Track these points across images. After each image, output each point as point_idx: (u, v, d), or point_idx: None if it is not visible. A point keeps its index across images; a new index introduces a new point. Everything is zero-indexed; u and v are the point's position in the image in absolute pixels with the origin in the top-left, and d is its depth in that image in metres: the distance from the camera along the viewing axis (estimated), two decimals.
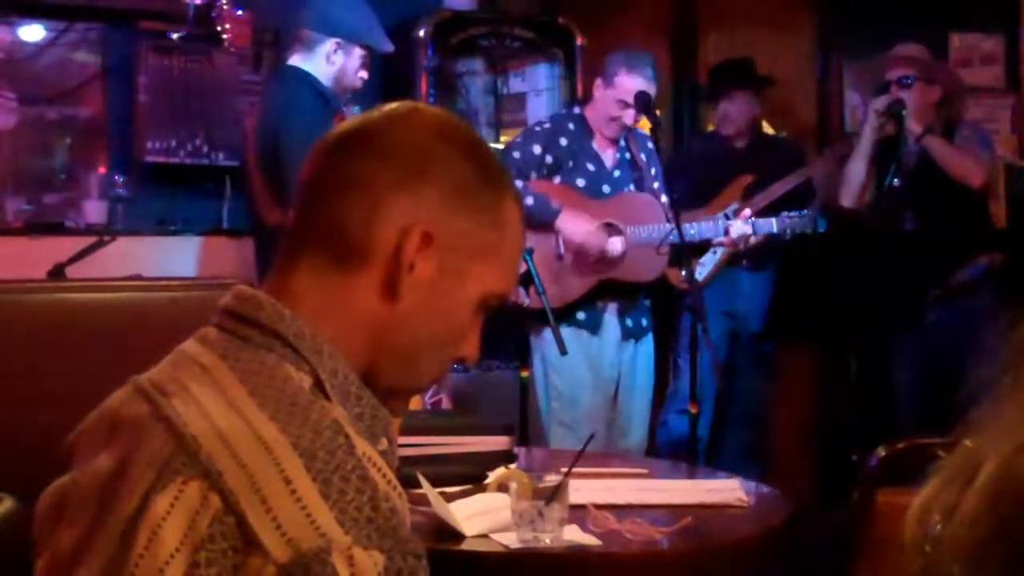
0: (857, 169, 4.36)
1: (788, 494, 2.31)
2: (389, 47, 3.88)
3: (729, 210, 4.28)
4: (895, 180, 4.18)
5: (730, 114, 4.78)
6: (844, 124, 5.65)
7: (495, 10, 5.13)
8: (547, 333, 3.78)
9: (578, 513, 1.97)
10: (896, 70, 4.37)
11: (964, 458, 0.74)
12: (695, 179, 4.54)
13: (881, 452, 1.96)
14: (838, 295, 4.49)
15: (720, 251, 4.38)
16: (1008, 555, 0.68)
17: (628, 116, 3.97)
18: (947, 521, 0.73)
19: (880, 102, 4.29)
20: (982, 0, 5.57)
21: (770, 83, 4.93)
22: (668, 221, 3.84)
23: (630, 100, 3.92)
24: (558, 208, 3.87)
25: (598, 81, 4.03)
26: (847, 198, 4.39)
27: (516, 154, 3.96)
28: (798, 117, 5.54)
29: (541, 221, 3.82)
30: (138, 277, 3.33)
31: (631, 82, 3.93)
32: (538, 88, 5.14)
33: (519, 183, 3.81)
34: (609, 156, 4.05)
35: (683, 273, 4.05)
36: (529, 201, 3.78)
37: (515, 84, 5.17)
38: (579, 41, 4.98)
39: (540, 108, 5.08)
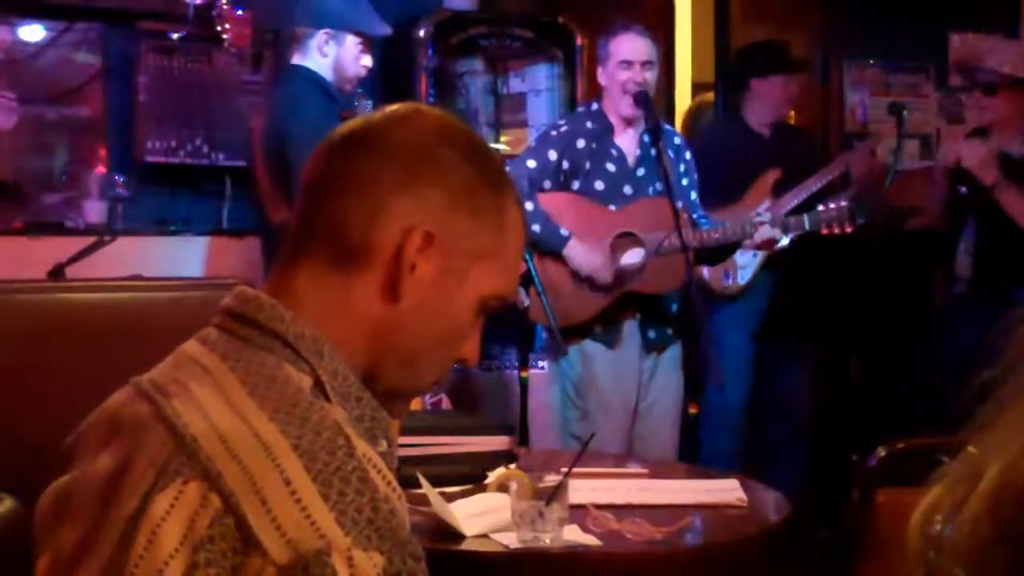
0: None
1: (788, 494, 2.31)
2: (384, 30, 3.86)
3: (761, 208, 4.11)
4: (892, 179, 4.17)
5: (766, 97, 4.55)
6: (844, 124, 5.65)
7: (495, 10, 5.12)
8: (571, 349, 3.73)
9: (578, 513, 1.97)
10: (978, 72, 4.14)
11: (968, 463, 0.74)
12: (720, 173, 4.28)
13: (881, 452, 1.96)
14: (839, 294, 4.48)
15: (760, 253, 4.22)
16: (1010, 560, 0.68)
17: (634, 72, 3.79)
18: (950, 526, 0.73)
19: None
20: (982, 0, 5.58)
21: (805, 67, 4.70)
22: (694, 225, 3.68)
23: (629, 57, 3.79)
24: (567, 235, 3.72)
25: (599, 69, 3.90)
26: None
27: (531, 163, 3.80)
28: (798, 117, 5.54)
29: (550, 249, 3.72)
30: (138, 277, 3.33)
31: (622, 42, 3.82)
32: (538, 88, 5.13)
33: (529, 205, 3.66)
34: (631, 152, 3.87)
35: (727, 279, 3.96)
36: (536, 228, 3.67)
37: (515, 84, 5.17)
38: (579, 41, 4.96)
39: (540, 108, 5.08)
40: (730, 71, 4.93)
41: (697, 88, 5.75)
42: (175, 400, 1.09)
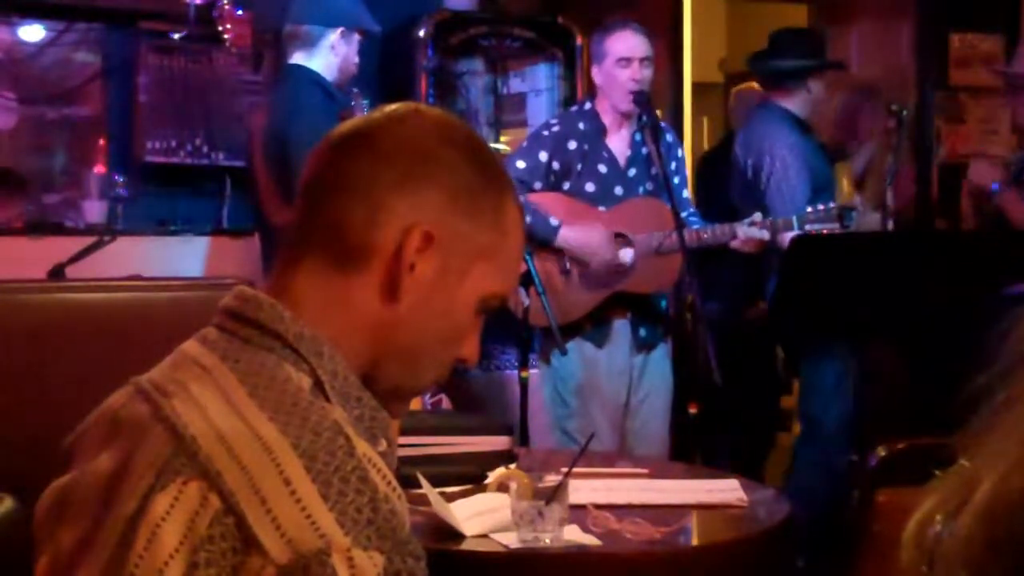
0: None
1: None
2: (378, 28, 3.91)
3: (856, 202, 4.07)
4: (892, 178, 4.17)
5: (820, 96, 4.26)
6: None
7: (495, 10, 5.13)
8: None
9: (578, 513, 1.97)
10: None
11: (960, 478, 0.74)
12: (820, 173, 4.13)
13: (881, 452, 1.96)
14: (841, 294, 4.46)
15: None
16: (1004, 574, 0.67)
17: (634, 70, 3.77)
18: (943, 541, 0.73)
19: None
20: (982, 0, 5.57)
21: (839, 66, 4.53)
22: (684, 225, 3.66)
23: (627, 54, 3.77)
24: (557, 224, 3.72)
25: (593, 68, 3.89)
26: None
27: (521, 163, 3.79)
28: None
29: (541, 239, 3.70)
30: (138, 277, 3.33)
31: (618, 40, 3.80)
32: (538, 88, 5.14)
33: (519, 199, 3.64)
34: (623, 153, 3.86)
35: None
36: (527, 219, 3.67)
37: (515, 84, 5.17)
38: (579, 41, 4.97)
39: (540, 108, 5.08)
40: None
41: (698, 88, 5.74)
42: (175, 400, 1.09)
